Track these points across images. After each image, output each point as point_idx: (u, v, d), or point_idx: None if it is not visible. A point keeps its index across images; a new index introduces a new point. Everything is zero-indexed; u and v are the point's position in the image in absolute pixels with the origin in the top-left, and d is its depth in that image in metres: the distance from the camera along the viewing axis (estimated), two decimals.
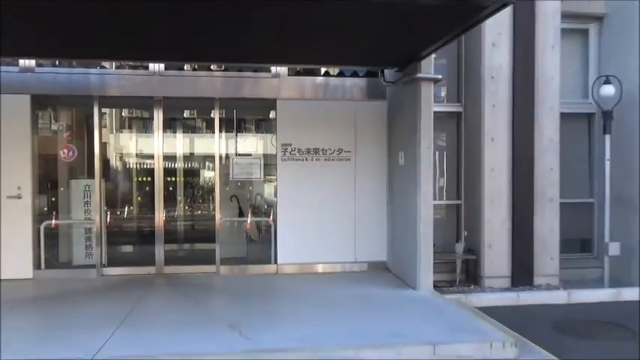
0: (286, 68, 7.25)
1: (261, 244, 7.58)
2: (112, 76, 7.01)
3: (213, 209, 7.35)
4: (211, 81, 7.18)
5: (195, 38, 5.54)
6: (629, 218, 7.43)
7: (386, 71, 7.10)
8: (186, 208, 8.66)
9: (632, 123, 7.35)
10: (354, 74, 7.51)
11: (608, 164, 7.13)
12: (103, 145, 8.09)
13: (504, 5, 4.35)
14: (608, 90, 7.01)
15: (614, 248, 7.05)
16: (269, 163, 7.59)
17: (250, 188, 8.34)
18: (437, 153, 7.63)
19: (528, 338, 4.94)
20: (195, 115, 9.35)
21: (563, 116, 7.59)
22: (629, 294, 6.80)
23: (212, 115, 7.35)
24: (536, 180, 7.26)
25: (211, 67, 7.23)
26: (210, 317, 5.13)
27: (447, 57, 7.69)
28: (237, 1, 4.37)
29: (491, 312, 5.97)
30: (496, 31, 7.12)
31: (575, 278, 7.63)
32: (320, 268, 7.25)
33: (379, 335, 4.57)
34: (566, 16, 7.60)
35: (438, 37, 5.41)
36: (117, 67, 7.13)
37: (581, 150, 8.09)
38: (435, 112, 6.95)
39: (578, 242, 8.11)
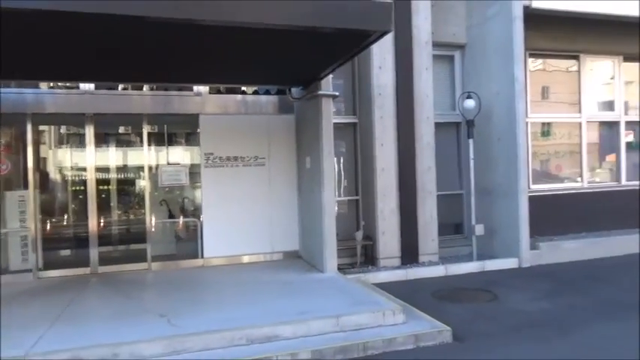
0: (207, 87, 7.06)
1: (189, 241, 7.30)
2: (45, 95, 6.49)
3: (144, 213, 6.99)
4: (140, 99, 6.86)
5: (120, 62, 5.24)
6: (489, 205, 7.86)
7: (293, 89, 7.08)
8: (120, 213, 8.16)
9: (488, 129, 7.79)
10: (267, 92, 7.45)
11: (472, 162, 7.51)
12: (42, 160, 7.49)
13: (384, 33, 4.43)
14: (470, 103, 7.39)
15: (479, 229, 7.43)
16: (194, 171, 7.33)
17: (178, 193, 8.02)
18: (341, 158, 7.75)
19: (413, 305, 5.08)
20: (127, 130, 8.85)
21: (438, 125, 7.94)
22: (490, 265, 7.19)
23: (141, 130, 7.01)
24: (418, 177, 7.51)
25: (144, 86, 6.91)
26: (141, 309, 4.85)
27: (344, 78, 7.80)
28: (161, 31, 4.18)
29: (385, 287, 6.11)
30: (382, 57, 7.30)
31: (451, 255, 7.96)
32: (242, 260, 7.10)
33: (292, 312, 4.52)
34: (436, 44, 7.96)
35: (334, 59, 5.47)
36: (50, 87, 6.61)
37: (452, 152, 8.47)
38: (335, 123, 7.05)
39: (453, 226, 8.47)
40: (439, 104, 8.15)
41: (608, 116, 9.41)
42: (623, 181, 9.45)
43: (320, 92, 6.26)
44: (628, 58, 9.53)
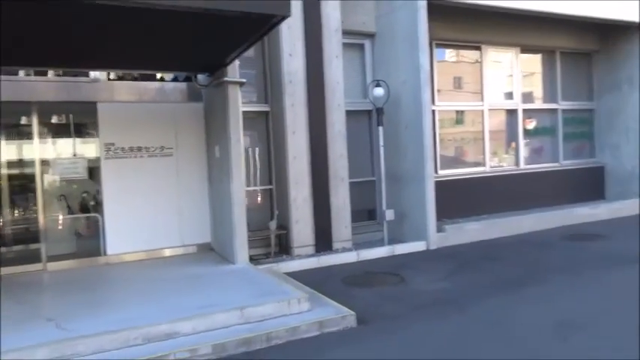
0: (105, 73, 6.62)
1: (91, 238, 6.83)
2: None
3: (38, 210, 6.44)
4: (29, 85, 6.29)
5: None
6: (399, 190, 8.11)
7: (199, 76, 6.83)
8: (12, 211, 7.46)
9: (397, 117, 8.01)
10: (175, 79, 7.13)
11: (382, 150, 7.68)
12: None
13: (283, 18, 4.36)
14: (379, 92, 7.54)
15: (389, 214, 7.64)
16: (95, 164, 6.85)
17: (77, 187, 7.45)
18: (255, 147, 7.61)
19: (323, 292, 5.13)
20: (16, 120, 8.09)
21: (350, 113, 8.05)
22: (400, 249, 7.44)
23: (31, 120, 6.42)
24: (330, 164, 7.57)
25: (31, 72, 6.34)
26: (29, 314, 4.47)
27: (255, 65, 7.66)
28: (52, 13, 3.82)
29: (297, 275, 6.11)
30: (292, 44, 7.23)
31: (365, 240, 8.11)
32: (149, 255, 6.78)
33: (195, 307, 4.38)
34: (347, 32, 8.03)
35: (236, 44, 5.32)
36: None
37: (364, 139, 8.62)
38: (247, 112, 6.93)
39: (366, 212, 8.64)
40: (351, 92, 8.25)
41: (507, 104, 10.02)
42: (522, 165, 10.14)
43: (226, 79, 6.08)
44: (525, 50, 10.19)
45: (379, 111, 7.63)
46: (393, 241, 7.87)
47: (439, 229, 7.81)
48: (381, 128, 7.67)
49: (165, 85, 7.07)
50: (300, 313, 4.39)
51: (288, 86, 7.25)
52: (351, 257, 7.09)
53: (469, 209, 9.31)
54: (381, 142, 7.69)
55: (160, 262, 6.58)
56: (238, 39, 5.15)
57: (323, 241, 7.51)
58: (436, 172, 9.10)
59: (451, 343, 3.94)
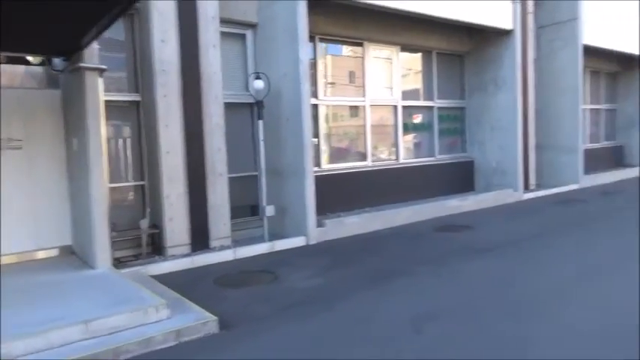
0: None
1: None
2: None
3: None
4: None
5: None
6: (280, 185, 8.01)
7: (55, 60, 6.10)
8: None
9: (278, 110, 7.88)
10: (26, 62, 6.30)
11: (262, 144, 7.51)
12: None
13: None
14: (259, 84, 7.34)
15: (269, 210, 7.51)
16: None
17: None
18: (125, 140, 7.04)
19: (193, 296, 4.85)
20: None
21: (231, 105, 7.77)
22: (280, 245, 7.35)
23: None
24: (207, 158, 7.23)
25: None
26: None
27: (125, 52, 7.06)
28: None
29: (168, 277, 5.76)
30: (164, 29, 6.75)
31: (247, 237, 7.91)
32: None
33: (37, 322, 3.86)
34: (227, 21, 7.72)
35: (90, 25, 4.79)
36: None
37: (246, 133, 8.37)
38: (115, 101, 6.41)
39: (249, 208, 8.43)
40: (232, 84, 7.96)
41: (387, 100, 10.36)
42: (401, 160, 10.58)
43: (83, 64, 5.49)
44: (405, 49, 10.60)
45: (259, 104, 7.44)
46: (274, 236, 7.76)
47: (319, 224, 7.85)
48: (261, 122, 7.49)
49: (15, 68, 6.22)
50: (158, 322, 4.08)
51: (160, 75, 6.76)
52: (228, 255, 6.85)
53: (352, 203, 9.51)
54: (261, 136, 7.51)
55: (9, 268, 5.80)
56: (91, 19, 4.64)
57: (200, 240, 7.17)
58: (320, 166, 9.18)
59: (313, 344, 3.90)
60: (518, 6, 10.74)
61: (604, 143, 16.26)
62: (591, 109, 15.53)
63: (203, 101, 7.14)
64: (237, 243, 7.47)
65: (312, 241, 7.59)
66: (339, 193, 9.33)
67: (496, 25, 10.43)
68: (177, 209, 6.96)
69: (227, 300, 4.98)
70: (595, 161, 14.89)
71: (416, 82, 11.12)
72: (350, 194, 9.51)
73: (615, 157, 16.48)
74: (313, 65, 9.09)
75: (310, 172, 7.53)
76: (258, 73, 7.43)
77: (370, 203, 9.80)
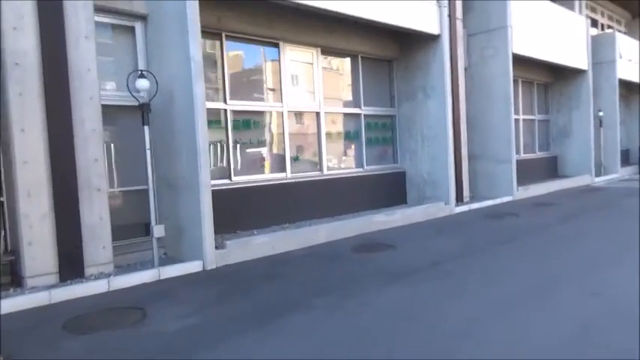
0: None
1: None
2: None
3: None
4: None
5: None
6: (176, 201, 6.95)
7: None
8: None
9: (171, 115, 6.84)
10: None
11: (148, 153, 6.43)
12: None
13: None
14: (143, 84, 6.28)
15: (158, 230, 6.43)
16: None
17: None
18: None
19: (31, 344, 3.71)
20: None
21: (116, 108, 6.71)
22: (169, 271, 6.26)
23: None
24: (80, 171, 6.09)
25: None
26: None
27: None
28: None
29: (14, 318, 4.56)
30: (18, 15, 5.60)
31: (139, 261, 6.79)
32: None
33: None
34: (110, 11, 6.70)
35: None
36: None
37: (138, 140, 7.23)
38: None
39: (142, 226, 7.28)
40: (121, 84, 6.84)
41: (308, 107, 9.53)
42: (325, 171, 9.73)
43: None
44: (327, 52, 9.82)
45: (144, 107, 6.36)
46: (169, 261, 6.70)
47: (220, 245, 6.82)
48: (146, 128, 6.41)
49: None
50: None
51: (13, 70, 5.59)
52: (100, 287, 5.70)
53: (269, 220, 8.57)
54: (147, 145, 6.43)
55: None
56: None
57: (70, 267, 5.98)
58: (230, 178, 8.20)
59: None
60: (445, 10, 10.23)
61: (539, 154, 16.17)
62: (525, 120, 15.39)
63: (73, 103, 6.01)
64: (120, 270, 6.32)
65: (210, 266, 6.55)
66: (253, 208, 8.37)
67: (422, 29, 9.86)
68: (40, 231, 5.76)
69: (60, 353, 3.86)
70: (530, 172, 14.70)
71: (340, 89, 10.37)
72: (266, 210, 8.56)
73: (550, 168, 16.43)
74: (220, 66, 8.14)
75: (206, 185, 6.50)
76: (142, 71, 6.37)
77: (290, 219, 8.89)
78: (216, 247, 6.80)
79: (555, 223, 9.00)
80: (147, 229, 7.32)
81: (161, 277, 6.12)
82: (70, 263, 5.99)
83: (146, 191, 7.24)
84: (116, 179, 6.98)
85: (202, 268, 6.51)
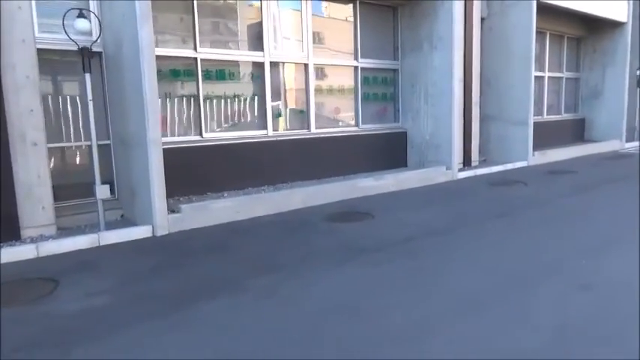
0: None
1: None
2: None
3: None
4: None
5: None
6: (127, 160, 6.29)
7: None
8: None
9: (120, 62, 6.06)
10: None
11: (90, 105, 5.72)
12: None
13: None
14: (82, 25, 5.52)
15: (102, 191, 5.82)
16: None
17: None
18: None
19: None
20: None
21: (62, 52, 5.96)
22: (110, 237, 5.68)
23: None
24: (13, 123, 5.46)
25: None
26: None
27: None
28: None
29: None
30: None
31: (89, 223, 6.22)
32: None
33: None
34: None
35: None
36: None
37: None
38: None
39: (91, 186, 6.68)
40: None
41: (294, 57, 8.57)
42: (313, 129, 8.88)
43: None
44: None
45: (84, 52, 5.60)
46: (122, 224, 6.14)
47: (175, 209, 6.17)
48: (87, 76, 5.68)
49: None
50: None
51: None
52: (27, 252, 5.16)
53: (243, 182, 7.86)
54: (89, 96, 5.71)
55: None
56: None
57: (5, 229, 5.46)
58: (201, 135, 7.46)
59: None
60: None
61: (564, 115, 14.76)
62: (552, 78, 13.94)
63: (2, 45, 5.27)
64: (62, 233, 5.77)
65: (161, 232, 5.93)
66: (227, 169, 7.65)
67: None
68: None
69: None
70: (553, 135, 13.45)
71: (334, 38, 9.30)
72: (243, 171, 7.84)
73: (576, 132, 15.03)
74: (189, 8, 7.23)
75: (155, 142, 5.78)
76: (80, 9, 5.54)
77: (270, 182, 8.17)
78: (172, 211, 6.15)
79: (566, 194, 7.97)
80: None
81: (100, 244, 5.53)
82: (4, 225, 5.45)
83: (104, 146, 6.66)
84: (65, 133, 6.34)
85: (152, 234, 5.89)
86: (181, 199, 7.08)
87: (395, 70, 10.17)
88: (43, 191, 5.71)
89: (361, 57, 9.48)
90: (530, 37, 10.83)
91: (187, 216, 6.16)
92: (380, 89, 10.01)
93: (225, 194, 7.40)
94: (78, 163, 6.48)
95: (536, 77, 11.56)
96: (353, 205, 7.36)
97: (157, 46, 6.82)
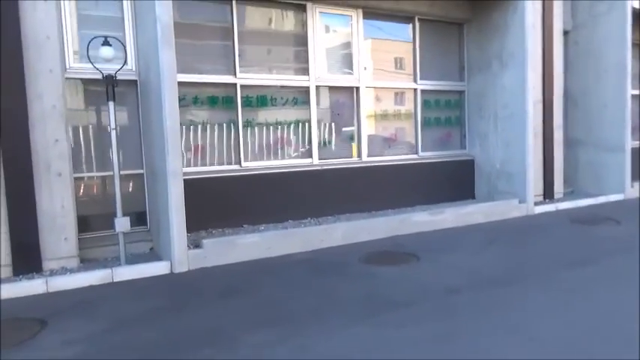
0: None
1: None
2: None
3: None
4: None
5: None
6: (155, 190, 6.01)
7: None
8: None
9: (149, 89, 5.85)
10: None
11: (113, 134, 5.51)
12: None
13: None
14: (107, 52, 5.35)
15: (121, 224, 5.53)
16: None
17: None
18: None
19: None
20: None
21: (94, 82, 5.89)
22: (124, 273, 5.34)
23: None
24: (38, 153, 5.38)
25: None
26: None
27: None
28: None
29: None
30: None
31: (114, 255, 5.99)
32: None
33: None
34: None
35: None
36: None
37: (130, 119, 6.45)
38: None
39: (134, 216, 6.48)
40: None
41: (344, 81, 7.98)
42: (365, 157, 8.18)
43: None
44: (370, 13, 8.11)
45: (108, 80, 5.43)
46: (147, 258, 5.84)
47: (196, 244, 5.75)
48: (111, 104, 5.49)
49: None
50: None
51: None
52: (37, 287, 4.95)
53: (285, 214, 7.34)
54: (112, 124, 5.51)
55: None
56: None
57: (25, 260, 5.37)
58: (240, 164, 7.08)
59: None
60: None
61: None
62: None
63: (27, 76, 5.27)
64: (82, 266, 5.57)
65: (180, 269, 5.50)
66: (268, 200, 7.18)
67: None
68: None
69: None
70: None
71: (389, 59, 8.61)
72: (284, 202, 7.32)
73: None
74: (228, 33, 6.95)
75: (174, 173, 5.42)
76: (106, 37, 5.40)
77: (314, 214, 7.55)
78: (195, 247, 5.73)
79: None
80: (140, 219, 6.57)
81: (114, 280, 5.21)
82: (25, 256, 5.35)
83: (138, 176, 6.48)
84: (95, 164, 6.23)
85: (170, 271, 5.49)
86: (214, 231, 6.68)
87: (461, 92, 9.21)
88: (67, 222, 5.56)
89: (421, 79, 8.66)
90: (624, 47, 9.36)
91: (210, 252, 5.69)
92: (443, 113, 9.08)
93: (263, 227, 6.89)
94: (108, 193, 6.32)
95: (633, 96, 9.89)
96: (400, 244, 6.49)
97: (193, 72, 6.62)
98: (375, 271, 5.33)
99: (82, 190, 6.17)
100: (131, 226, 6.49)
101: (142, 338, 3.73)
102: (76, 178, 5.98)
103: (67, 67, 5.88)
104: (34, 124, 5.34)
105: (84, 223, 6.07)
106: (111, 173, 6.23)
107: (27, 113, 5.29)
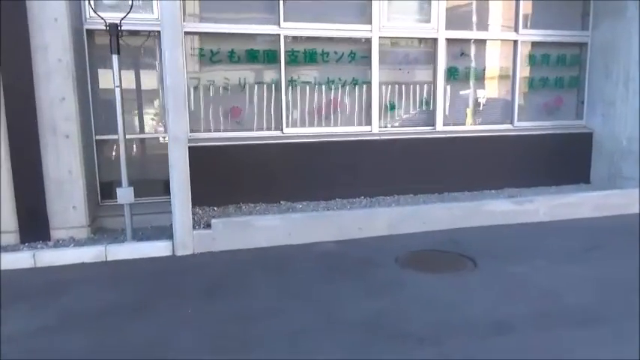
0: None
1: None
2: None
3: None
4: None
5: None
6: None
7: None
8: None
9: (163, 38, 5.03)
10: None
11: (117, 91, 4.84)
12: None
13: None
14: None
15: (124, 195, 4.92)
16: None
17: None
18: None
19: None
20: None
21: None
22: (121, 252, 4.73)
23: None
24: (44, 112, 4.94)
25: None
26: None
27: None
28: None
29: None
30: None
31: (150, 225, 5.53)
32: None
33: None
34: None
35: None
36: None
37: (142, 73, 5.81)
38: None
39: (161, 184, 5.94)
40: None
41: (417, 30, 6.48)
42: (439, 127, 6.70)
43: None
44: None
45: (111, 30, 4.72)
46: (154, 234, 5.23)
47: (204, 224, 4.96)
48: (115, 57, 4.79)
49: None
50: None
51: None
52: (23, 261, 4.55)
53: (330, 190, 6.28)
54: (116, 81, 4.83)
55: None
56: None
57: (33, 227, 5.06)
58: (282, 130, 6.13)
59: None
60: None
61: None
62: None
63: (31, 24, 4.76)
64: (88, 240, 5.11)
65: (182, 251, 4.78)
66: (312, 172, 6.17)
67: None
68: None
69: None
70: None
71: (480, 4, 6.80)
72: (332, 176, 6.25)
73: None
74: None
75: (176, 139, 4.66)
76: None
77: (367, 192, 6.37)
78: (205, 226, 4.96)
79: None
80: (166, 188, 5.98)
81: (107, 259, 4.64)
82: (33, 222, 5.03)
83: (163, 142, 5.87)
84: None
85: (172, 252, 4.78)
86: (244, 207, 5.85)
87: (581, 45, 7.09)
88: (75, 189, 5.11)
89: (524, 27, 6.76)
90: None
91: (220, 234, 4.87)
92: (553, 72, 7.10)
93: (300, 205, 5.90)
94: (131, 157, 5.77)
95: None
96: (458, 241, 5.06)
97: (227, 22, 5.70)
98: (408, 280, 4.06)
99: (103, 154, 5.68)
100: (158, 195, 5.98)
101: (61, 350, 3.01)
102: (97, 141, 5.53)
103: (87, 17, 5.31)
104: (39, 80, 4.87)
105: (104, 191, 5.64)
106: (133, 136, 5.71)
107: (31, 68, 4.81)
